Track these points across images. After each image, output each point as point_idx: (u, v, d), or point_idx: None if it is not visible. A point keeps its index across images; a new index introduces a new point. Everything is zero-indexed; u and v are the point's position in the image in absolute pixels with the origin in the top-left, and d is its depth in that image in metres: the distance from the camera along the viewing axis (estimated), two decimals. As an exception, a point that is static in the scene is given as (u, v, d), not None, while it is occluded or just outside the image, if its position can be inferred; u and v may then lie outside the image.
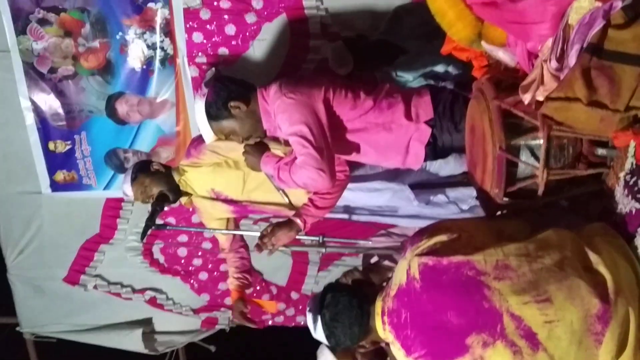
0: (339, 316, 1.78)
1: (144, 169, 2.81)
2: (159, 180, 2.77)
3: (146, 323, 4.07)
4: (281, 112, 2.23)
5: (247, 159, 2.51)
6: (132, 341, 4.05)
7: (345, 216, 3.00)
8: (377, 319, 1.77)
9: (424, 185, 2.86)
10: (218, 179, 2.76)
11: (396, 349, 1.73)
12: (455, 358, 1.60)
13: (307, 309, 1.88)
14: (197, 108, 2.39)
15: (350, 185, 2.67)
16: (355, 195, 2.71)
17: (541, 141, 1.78)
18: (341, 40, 2.93)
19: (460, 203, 2.72)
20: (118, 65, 3.25)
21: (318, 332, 1.82)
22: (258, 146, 2.48)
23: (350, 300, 1.80)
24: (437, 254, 1.68)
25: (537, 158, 1.82)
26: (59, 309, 3.96)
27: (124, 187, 2.83)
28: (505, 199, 1.88)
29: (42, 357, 4.32)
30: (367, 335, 1.82)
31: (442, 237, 1.74)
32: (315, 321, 1.81)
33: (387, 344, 2.60)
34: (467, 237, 1.75)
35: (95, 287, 3.86)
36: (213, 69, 3.10)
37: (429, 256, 1.68)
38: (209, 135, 2.41)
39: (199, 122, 2.39)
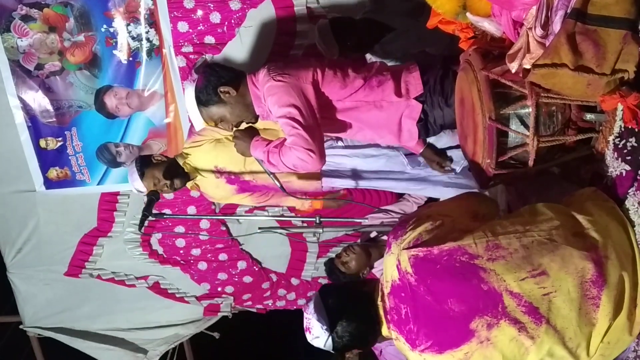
0: (354, 335, 1.75)
1: (147, 163, 2.82)
2: (162, 168, 2.80)
3: (149, 316, 4.10)
4: (270, 95, 2.24)
5: (236, 145, 2.51)
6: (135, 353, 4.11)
7: (352, 183, 3.00)
8: (383, 322, 1.77)
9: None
10: (220, 154, 2.81)
11: (401, 344, 1.73)
12: (462, 344, 1.60)
13: (310, 321, 1.77)
14: (187, 94, 2.40)
15: (346, 152, 2.71)
16: (351, 161, 2.77)
17: (530, 109, 1.79)
18: (327, 19, 2.92)
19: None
20: (105, 58, 3.24)
21: (325, 346, 1.76)
22: (248, 131, 2.49)
23: (364, 319, 1.76)
24: (426, 245, 1.67)
25: (526, 126, 1.83)
26: (61, 304, 3.99)
27: (134, 184, 2.85)
28: (497, 168, 1.90)
29: (48, 354, 4.34)
30: (375, 340, 1.81)
31: (426, 226, 1.72)
32: (322, 336, 1.74)
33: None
34: (450, 222, 1.76)
35: (98, 276, 3.88)
36: (204, 56, 3.10)
37: (418, 248, 1.67)
38: (198, 122, 2.43)
39: (189, 108, 2.41)
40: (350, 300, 1.77)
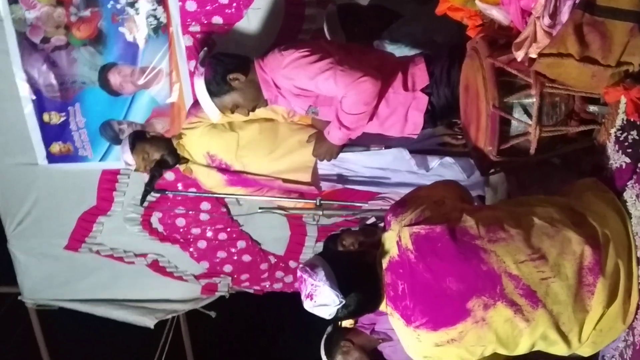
0: (359, 306, 1.74)
1: (140, 137, 2.84)
2: (159, 145, 2.82)
3: (147, 293, 4.13)
4: (290, 68, 2.26)
5: (320, 153, 2.55)
6: (134, 314, 4.13)
7: (340, 186, 3.02)
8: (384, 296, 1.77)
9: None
10: (213, 139, 2.80)
11: (395, 320, 1.75)
12: (457, 323, 1.63)
13: (318, 289, 1.70)
14: (197, 88, 2.42)
15: (351, 148, 2.71)
16: (355, 157, 2.74)
17: (534, 99, 1.81)
18: (335, 6, 2.92)
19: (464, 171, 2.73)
20: (110, 35, 3.24)
21: (329, 314, 1.73)
22: (316, 136, 2.55)
23: (371, 291, 1.75)
24: (428, 222, 1.68)
25: (529, 115, 1.85)
26: (60, 277, 4.01)
27: (124, 157, 2.86)
28: (499, 156, 1.92)
29: (45, 325, 4.38)
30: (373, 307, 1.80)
31: (429, 204, 1.74)
32: (331, 304, 1.69)
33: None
34: (450, 202, 1.78)
35: (97, 252, 3.91)
36: (205, 49, 3.09)
37: (420, 225, 1.68)
38: (214, 113, 2.44)
39: (203, 102, 2.42)
40: (360, 272, 1.76)
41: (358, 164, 2.78)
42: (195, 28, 3.16)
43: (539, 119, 1.82)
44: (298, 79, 2.30)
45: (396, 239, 1.72)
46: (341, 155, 2.66)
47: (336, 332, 2.95)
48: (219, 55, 2.46)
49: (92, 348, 5.20)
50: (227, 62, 2.38)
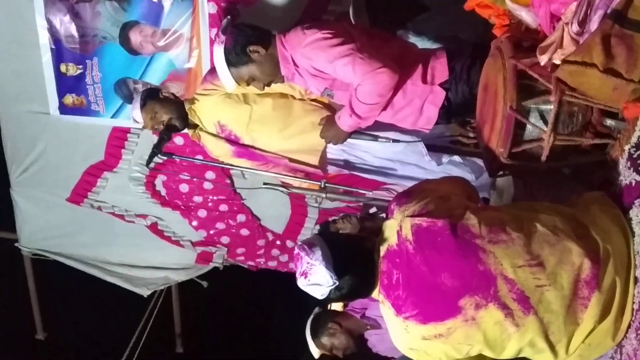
0: (352, 289, 1.74)
1: (153, 96, 2.83)
2: (169, 107, 2.80)
3: (143, 254, 4.16)
4: (313, 48, 2.25)
5: (327, 136, 2.54)
6: (128, 282, 4.18)
7: (347, 171, 3.00)
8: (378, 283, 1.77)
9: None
10: (225, 109, 2.78)
11: (385, 308, 1.75)
12: (447, 319, 1.63)
13: (314, 267, 1.71)
14: (216, 56, 2.40)
15: (360, 135, 2.69)
16: (366, 144, 2.72)
17: (552, 106, 1.79)
18: None
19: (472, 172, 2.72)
20: (136, -8, 3.23)
21: (321, 294, 1.73)
22: (328, 118, 2.53)
23: (366, 276, 1.75)
24: (430, 215, 1.68)
25: (545, 122, 1.83)
26: (59, 229, 4.04)
27: (133, 113, 2.86)
28: (509, 159, 1.90)
29: (39, 275, 4.42)
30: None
31: (434, 198, 1.74)
32: (325, 285, 1.70)
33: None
34: (456, 199, 1.77)
35: (99, 207, 3.93)
36: (229, 17, 3.07)
37: (422, 217, 1.68)
38: (230, 83, 2.42)
39: (219, 70, 2.41)
40: (357, 256, 1.76)
41: (368, 152, 2.76)
42: (219, -2, 3.13)
43: (555, 126, 1.81)
44: (317, 60, 2.28)
45: (397, 228, 1.72)
46: (351, 141, 2.65)
47: (325, 313, 2.96)
48: (242, 25, 2.45)
49: (82, 302, 5.24)
50: (248, 34, 2.37)
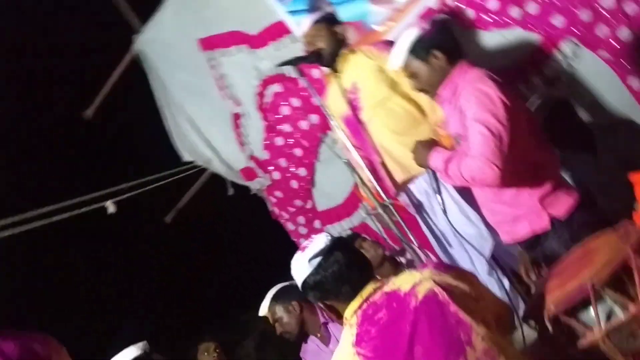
0: (345, 270, 1.78)
1: (329, 21, 2.89)
2: (332, 40, 2.86)
3: (212, 125, 4.30)
4: (480, 94, 2.23)
5: (415, 155, 2.53)
6: (181, 135, 4.34)
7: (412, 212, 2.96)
8: (357, 299, 1.77)
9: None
10: (370, 78, 2.80)
11: (348, 331, 1.74)
12: None
13: (321, 243, 1.83)
14: (406, 35, 2.43)
15: (452, 191, 2.66)
16: (448, 202, 2.68)
17: (624, 317, 1.72)
18: (552, 100, 2.83)
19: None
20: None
21: (302, 278, 1.81)
22: (429, 142, 2.51)
23: (362, 267, 1.83)
24: (451, 296, 1.65)
25: (607, 320, 1.76)
26: (173, 51, 4.21)
27: (305, 20, 2.93)
28: (550, 321, 1.83)
29: (126, 71, 4.55)
30: (344, 300, 1.80)
31: (466, 288, 1.71)
32: (305, 267, 1.80)
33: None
34: (483, 306, 1.73)
35: (213, 66, 4.06)
36: (444, 16, 3.07)
37: (445, 291, 1.66)
38: (396, 63, 2.45)
39: (398, 47, 2.43)
40: (358, 271, 1.80)
41: (447, 209, 2.72)
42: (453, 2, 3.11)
43: (612, 332, 1.73)
44: (468, 105, 2.26)
45: (417, 280, 1.71)
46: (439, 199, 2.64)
47: (298, 290, 2.95)
48: (447, 31, 2.48)
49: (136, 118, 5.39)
50: (445, 40, 2.39)
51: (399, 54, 2.43)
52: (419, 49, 2.38)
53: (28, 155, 5.67)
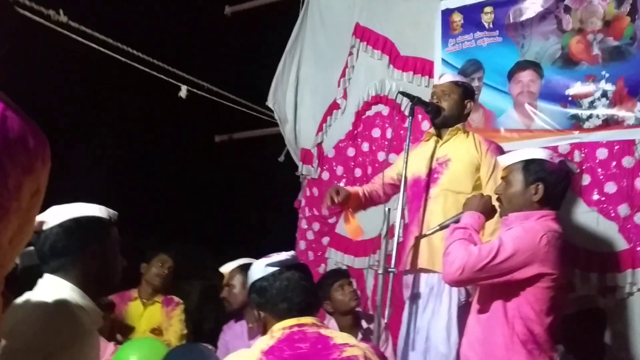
0: (291, 289, 1.79)
1: (467, 90, 2.94)
2: (456, 105, 2.87)
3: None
4: (516, 226, 2.20)
5: (472, 201, 2.43)
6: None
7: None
8: (293, 320, 1.75)
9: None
10: (463, 166, 2.79)
11: (265, 340, 1.73)
12: None
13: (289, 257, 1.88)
14: (538, 149, 2.39)
15: (453, 306, 2.60)
16: (443, 310, 2.65)
17: None
18: None
19: None
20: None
21: (263, 271, 1.84)
22: (488, 204, 2.40)
23: (308, 295, 1.83)
24: None
25: None
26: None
27: (447, 74, 3.16)
28: None
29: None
30: (278, 316, 1.78)
31: None
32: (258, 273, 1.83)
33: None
34: None
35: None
36: (575, 167, 2.92)
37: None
38: (507, 160, 2.35)
39: (524, 151, 2.37)
40: (304, 290, 1.82)
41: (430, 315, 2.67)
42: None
43: None
44: (512, 227, 2.23)
45: (351, 343, 1.71)
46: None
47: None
48: (568, 178, 2.36)
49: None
50: (558, 184, 2.27)
51: (515, 157, 2.33)
52: (533, 169, 2.25)
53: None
